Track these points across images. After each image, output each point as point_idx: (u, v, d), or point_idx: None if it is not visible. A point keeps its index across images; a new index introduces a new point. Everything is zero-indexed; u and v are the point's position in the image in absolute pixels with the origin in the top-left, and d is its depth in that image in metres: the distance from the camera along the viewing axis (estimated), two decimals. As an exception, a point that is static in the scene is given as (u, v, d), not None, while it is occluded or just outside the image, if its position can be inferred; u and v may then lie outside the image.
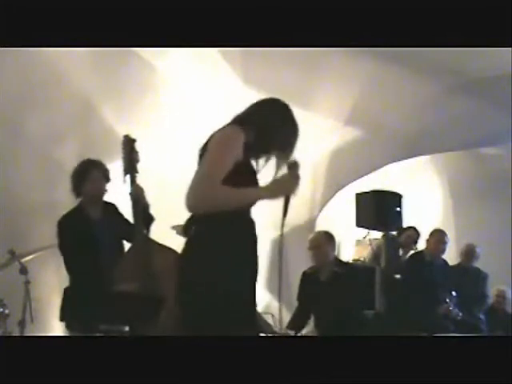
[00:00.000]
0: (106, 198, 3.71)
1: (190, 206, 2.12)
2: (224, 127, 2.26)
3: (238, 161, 2.17)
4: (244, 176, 2.21)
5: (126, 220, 3.59)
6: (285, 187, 2.28)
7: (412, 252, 5.87)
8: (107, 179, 3.65)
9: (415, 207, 6.56)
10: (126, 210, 3.50)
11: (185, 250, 2.29)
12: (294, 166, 2.30)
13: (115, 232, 3.60)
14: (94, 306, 3.20)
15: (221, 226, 2.20)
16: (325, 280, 4.35)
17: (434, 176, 7.78)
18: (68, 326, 3.48)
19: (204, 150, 2.23)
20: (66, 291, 3.54)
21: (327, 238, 4.42)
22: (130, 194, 3.29)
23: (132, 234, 3.32)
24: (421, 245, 5.74)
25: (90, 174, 3.57)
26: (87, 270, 3.39)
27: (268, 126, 2.29)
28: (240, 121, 2.29)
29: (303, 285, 4.55)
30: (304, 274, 4.59)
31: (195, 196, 2.11)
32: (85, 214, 3.58)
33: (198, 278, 2.19)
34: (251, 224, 2.33)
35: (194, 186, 2.12)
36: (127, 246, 3.54)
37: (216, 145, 2.18)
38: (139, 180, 3.35)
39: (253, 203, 2.23)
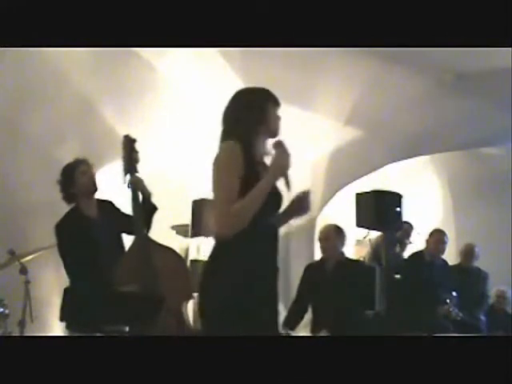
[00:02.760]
0: (106, 197, 3.70)
1: (219, 238, 2.27)
2: (221, 147, 2.31)
3: (242, 173, 2.24)
4: (252, 179, 2.26)
5: (125, 214, 3.58)
6: (280, 165, 2.30)
7: (408, 246, 5.90)
8: (93, 173, 3.62)
9: (415, 207, 6.55)
10: (126, 210, 3.49)
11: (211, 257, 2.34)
12: (279, 145, 2.33)
13: (114, 230, 3.59)
14: (94, 306, 3.20)
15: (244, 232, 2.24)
16: (329, 270, 4.43)
17: (433, 176, 7.77)
18: (68, 326, 3.48)
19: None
20: (66, 291, 3.55)
21: (337, 232, 4.53)
22: (129, 185, 3.28)
23: (132, 226, 3.32)
24: (419, 243, 5.74)
25: (77, 169, 3.54)
26: (87, 271, 3.38)
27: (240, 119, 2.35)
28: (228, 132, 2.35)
29: (306, 276, 4.61)
30: (308, 266, 4.66)
31: (221, 227, 2.22)
32: (81, 214, 3.55)
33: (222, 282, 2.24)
34: (273, 229, 2.37)
35: (216, 219, 2.22)
36: (127, 244, 3.53)
37: (219, 171, 2.26)
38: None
39: (266, 194, 2.26)
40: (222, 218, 2.21)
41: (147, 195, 3.43)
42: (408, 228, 5.99)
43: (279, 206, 2.42)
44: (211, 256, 2.34)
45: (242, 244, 2.24)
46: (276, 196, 2.39)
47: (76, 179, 3.52)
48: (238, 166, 2.23)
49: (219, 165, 2.27)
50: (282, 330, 4.30)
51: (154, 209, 3.50)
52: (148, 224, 3.48)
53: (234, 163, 2.24)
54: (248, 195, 2.20)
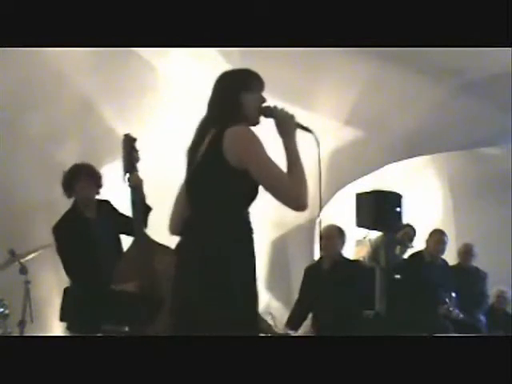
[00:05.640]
0: (106, 197, 3.70)
1: (300, 209, 2.20)
2: (233, 132, 2.22)
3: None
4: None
5: (123, 214, 3.57)
6: (288, 122, 2.31)
7: (409, 249, 5.89)
8: (98, 185, 3.60)
9: (415, 207, 6.55)
10: (126, 209, 3.49)
11: (181, 250, 2.30)
12: (268, 110, 2.31)
13: (112, 230, 3.58)
14: (93, 306, 3.20)
15: (217, 226, 2.21)
16: (326, 269, 4.46)
17: (433, 176, 7.77)
18: (68, 327, 3.48)
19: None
20: (66, 291, 3.55)
21: (339, 232, 4.59)
22: (129, 184, 3.26)
23: (131, 227, 3.31)
24: (418, 243, 5.74)
25: (77, 183, 3.53)
26: (86, 271, 3.38)
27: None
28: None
29: (305, 276, 4.64)
30: (307, 267, 4.70)
31: (299, 198, 2.20)
32: (79, 214, 3.55)
33: (195, 279, 2.19)
34: (247, 225, 2.32)
35: (288, 194, 2.18)
36: (126, 244, 3.52)
37: (254, 153, 2.18)
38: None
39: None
40: (295, 189, 2.18)
41: (142, 197, 3.40)
42: (410, 231, 5.98)
43: (252, 200, 2.34)
44: (180, 251, 2.30)
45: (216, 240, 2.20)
46: (252, 190, 2.31)
47: (76, 190, 3.53)
48: (261, 143, 2.19)
49: (250, 146, 2.18)
50: (284, 331, 4.31)
51: (148, 209, 3.48)
52: (145, 224, 3.47)
53: (259, 141, 2.19)
54: (292, 162, 2.21)
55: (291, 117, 2.32)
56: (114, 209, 3.68)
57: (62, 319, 3.55)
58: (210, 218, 2.24)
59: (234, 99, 2.30)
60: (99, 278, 3.27)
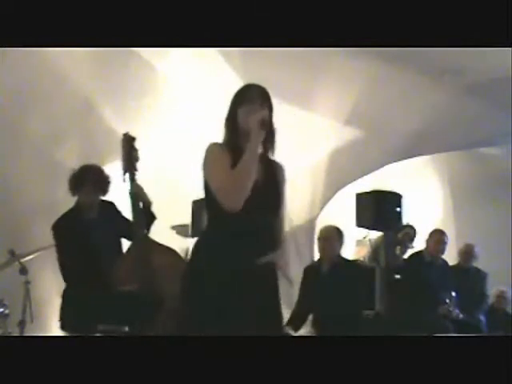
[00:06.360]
0: (106, 196, 3.69)
1: (228, 210, 2.22)
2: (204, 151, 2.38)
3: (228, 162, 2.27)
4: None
5: (125, 218, 3.56)
6: (257, 121, 2.29)
7: (409, 250, 5.89)
8: (104, 190, 3.59)
9: (415, 207, 6.56)
10: (127, 209, 3.49)
11: (196, 251, 2.35)
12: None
13: (113, 231, 3.58)
14: (93, 306, 3.20)
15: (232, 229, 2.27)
16: (326, 271, 4.45)
17: (434, 176, 7.78)
18: (67, 327, 3.47)
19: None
20: (66, 292, 3.55)
21: (337, 233, 4.55)
22: (129, 192, 3.26)
23: (131, 232, 3.31)
24: (419, 243, 5.74)
25: (83, 187, 3.53)
26: (86, 271, 3.37)
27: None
28: None
29: (304, 278, 4.63)
30: (306, 268, 4.68)
31: (224, 198, 2.21)
32: (81, 214, 3.55)
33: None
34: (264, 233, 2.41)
35: (218, 195, 2.22)
36: (125, 245, 3.52)
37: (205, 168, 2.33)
38: (139, 179, 3.34)
39: (256, 156, 2.27)
40: (223, 189, 2.22)
41: (147, 204, 3.39)
42: (410, 231, 5.98)
43: (278, 206, 2.39)
44: (192, 254, 2.35)
45: (224, 242, 2.27)
46: (275, 196, 2.37)
47: (81, 193, 3.53)
48: (220, 158, 2.27)
49: (204, 164, 2.33)
50: (284, 331, 4.31)
51: (152, 218, 3.47)
52: (147, 231, 3.46)
53: (216, 156, 2.29)
54: (240, 161, 2.22)
55: (256, 120, 2.31)
56: (117, 211, 3.67)
57: (61, 319, 3.55)
58: (216, 223, 2.31)
59: (229, 115, 2.41)
60: (99, 277, 3.27)
